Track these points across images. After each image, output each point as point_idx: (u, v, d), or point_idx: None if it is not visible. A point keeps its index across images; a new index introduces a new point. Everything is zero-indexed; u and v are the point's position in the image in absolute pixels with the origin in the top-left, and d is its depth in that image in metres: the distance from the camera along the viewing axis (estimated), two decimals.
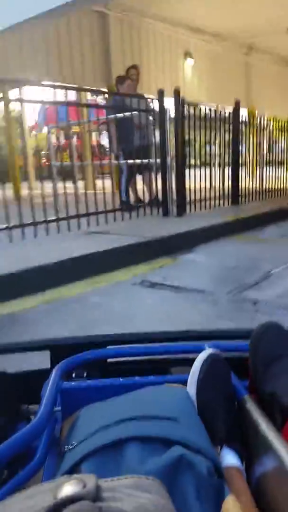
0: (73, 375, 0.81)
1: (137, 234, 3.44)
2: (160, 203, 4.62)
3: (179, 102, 4.32)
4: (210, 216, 4.47)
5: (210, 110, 5.01)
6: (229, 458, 0.59)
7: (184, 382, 0.70)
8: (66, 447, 0.59)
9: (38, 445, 0.63)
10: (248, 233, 4.24)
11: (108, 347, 0.87)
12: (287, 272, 2.76)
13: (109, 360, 0.86)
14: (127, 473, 0.33)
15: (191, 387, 0.67)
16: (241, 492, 0.53)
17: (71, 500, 0.26)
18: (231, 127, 5.21)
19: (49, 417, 0.63)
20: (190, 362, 0.72)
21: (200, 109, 5.02)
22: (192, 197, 4.74)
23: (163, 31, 8.52)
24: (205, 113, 4.89)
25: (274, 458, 0.51)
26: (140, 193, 5.26)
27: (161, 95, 4.34)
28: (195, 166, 4.93)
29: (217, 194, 5.20)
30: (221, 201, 5.22)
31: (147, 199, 5.02)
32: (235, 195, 5.45)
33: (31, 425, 0.60)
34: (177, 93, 4.32)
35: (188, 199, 4.69)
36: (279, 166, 6.52)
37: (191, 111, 4.58)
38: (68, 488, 0.27)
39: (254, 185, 5.94)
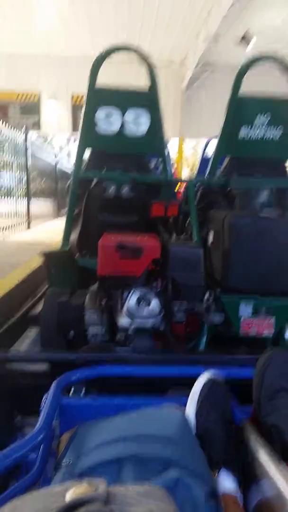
0: (72, 390, 0.81)
1: None
2: None
3: None
4: None
5: None
6: (226, 483, 0.59)
7: (183, 404, 0.70)
8: (64, 461, 0.58)
9: (34, 457, 0.63)
10: None
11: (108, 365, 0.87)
12: None
13: (108, 378, 0.86)
14: None
15: (190, 409, 0.67)
16: None
17: (83, 501, 0.26)
18: None
19: (48, 430, 0.63)
20: (189, 384, 0.72)
21: None
22: None
23: None
24: None
25: (272, 486, 0.51)
26: None
27: None
28: None
29: None
30: None
31: None
32: None
33: (29, 436, 0.60)
34: None
35: None
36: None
37: None
38: (80, 491, 0.28)
39: None
